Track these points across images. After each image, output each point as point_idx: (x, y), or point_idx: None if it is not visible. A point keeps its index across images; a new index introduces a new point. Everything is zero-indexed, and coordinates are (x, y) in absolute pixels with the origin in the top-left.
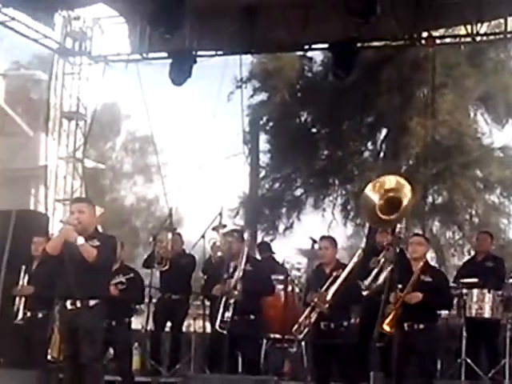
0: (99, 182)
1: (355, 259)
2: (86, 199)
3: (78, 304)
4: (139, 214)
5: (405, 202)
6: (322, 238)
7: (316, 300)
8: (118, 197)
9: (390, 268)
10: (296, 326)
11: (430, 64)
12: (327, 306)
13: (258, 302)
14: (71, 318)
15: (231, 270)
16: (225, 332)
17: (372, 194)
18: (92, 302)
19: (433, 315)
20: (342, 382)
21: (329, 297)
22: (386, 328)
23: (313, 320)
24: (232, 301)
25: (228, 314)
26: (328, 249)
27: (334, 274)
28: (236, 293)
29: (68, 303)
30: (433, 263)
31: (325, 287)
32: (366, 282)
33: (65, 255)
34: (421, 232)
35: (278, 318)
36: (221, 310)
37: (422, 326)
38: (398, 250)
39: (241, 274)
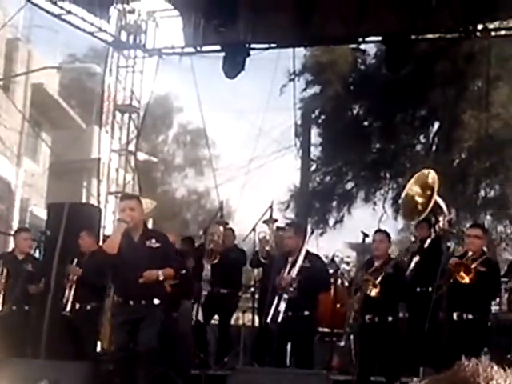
0: (151, 174)
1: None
2: (135, 196)
3: (143, 302)
4: (190, 206)
5: (435, 194)
6: (377, 231)
7: (366, 277)
8: (169, 189)
9: (416, 259)
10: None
11: (485, 57)
12: (376, 290)
13: (314, 298)
14: (133, 311)
15: (289, 264)
16: (274, 327)
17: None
18: (157, 301)
19: (483, 307)
20: (385, 377)
21: (378, 281)
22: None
23: (359, 303)
24: (286, 296)
25: (281, 309)
26: (382, 242)
27: (384, 268)
28: (292, 289)
29: (131, 302)
30: None
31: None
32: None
33: (125, 254)
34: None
35: (327, 312)
36: (274, 305)
37: (470, 317)
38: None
39: (297, 270)
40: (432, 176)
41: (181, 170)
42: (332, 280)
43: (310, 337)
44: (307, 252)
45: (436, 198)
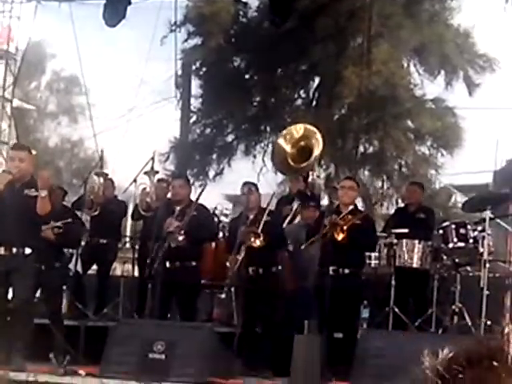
0: (24, 122)
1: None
2: (26, 147)
3: (14, 250)
4: (63, 155)
5: (316, 151)
6: (244, 184)
7: (247, 232)
8: (42, 137)
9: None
10: (229, 261)
11: (366, 14)
12: (260, 239)
13: (200, 248)
14: (3, 262)
15: (177, 213)
16: (157, 275)
17: (284, 143)
18: (28, 251)
19: (359, 260)
20: (269, 327)
21: (259, 230)
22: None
23: (242, 256)
24: (173, 245)
25: (159, 255)
26: (252, 193)
27: (259, 218)
28: (180, 238)
29: (1, 250)
30: None
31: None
32: None
33: (5, 202)
34: None
35: (208, 264)
36: (154, 251)
37: (347, 271)
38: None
39: (187, 218)
40: (301, 131)
41: (54, 117)
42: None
43: (196, 288)
44: (194, 202)
45: (314, 154)
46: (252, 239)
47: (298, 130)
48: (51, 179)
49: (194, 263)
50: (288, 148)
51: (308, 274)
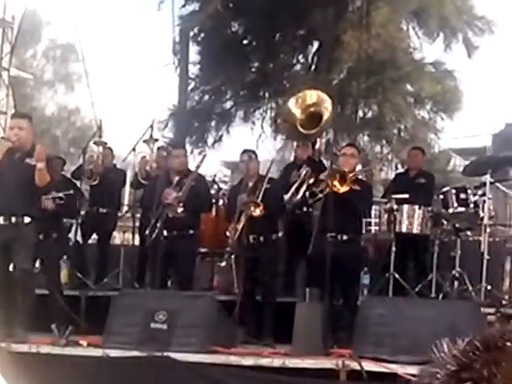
0: (20, 90)
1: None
2: (26, 115)
3: (13, 220)
4: (59, 123)
5: (325, 117)
6: (244, 151)
7: (247, 202)
8: (39, 106)
9: (311, 182)
10: (229, 229)
11: None
12: (260, 209)
13: (198, 217)
14: (3, 233)
15: (175, 183)
16: (157, 245)
17: (294, 107)
18: (27, 220)
19: (357, 226)
20: (268, 295)
21: (259, 199)
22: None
23: (242, 225)
24: (170, 215)
25: (158, 225)
26: (252, 161)
27: (259, 186)
28: (179, 210)
29: (1, 218)
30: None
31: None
32: (287, 196)
33: (5, 170)
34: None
35: (208, 232)
36: (153, 220)
37: (345, 238)
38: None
39: (185, 188)
40: (314, 98)
41: (50, 85)
42: (214, 200)
43: (194, 256)
44: (192, 171)
45: (324, 121)
46: (252, 208)
47: (311, 96)
48: (48, 150)
49: (191, 231)
50: (298, 113)
51: None
